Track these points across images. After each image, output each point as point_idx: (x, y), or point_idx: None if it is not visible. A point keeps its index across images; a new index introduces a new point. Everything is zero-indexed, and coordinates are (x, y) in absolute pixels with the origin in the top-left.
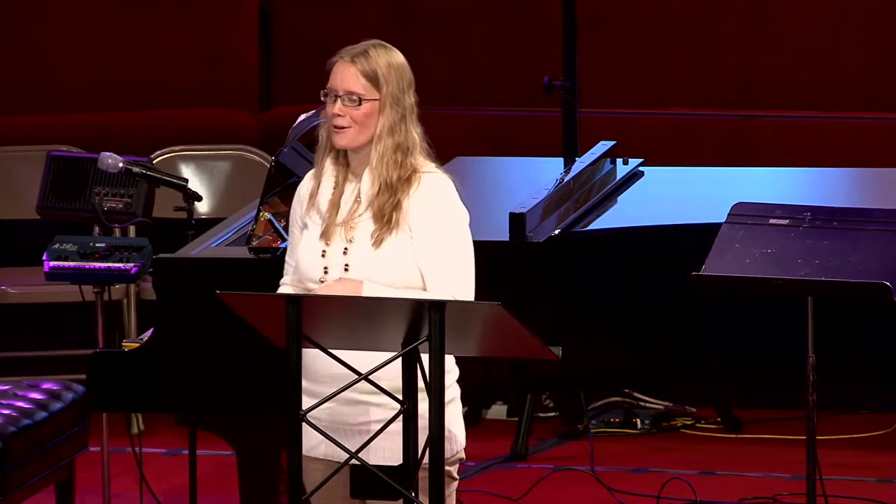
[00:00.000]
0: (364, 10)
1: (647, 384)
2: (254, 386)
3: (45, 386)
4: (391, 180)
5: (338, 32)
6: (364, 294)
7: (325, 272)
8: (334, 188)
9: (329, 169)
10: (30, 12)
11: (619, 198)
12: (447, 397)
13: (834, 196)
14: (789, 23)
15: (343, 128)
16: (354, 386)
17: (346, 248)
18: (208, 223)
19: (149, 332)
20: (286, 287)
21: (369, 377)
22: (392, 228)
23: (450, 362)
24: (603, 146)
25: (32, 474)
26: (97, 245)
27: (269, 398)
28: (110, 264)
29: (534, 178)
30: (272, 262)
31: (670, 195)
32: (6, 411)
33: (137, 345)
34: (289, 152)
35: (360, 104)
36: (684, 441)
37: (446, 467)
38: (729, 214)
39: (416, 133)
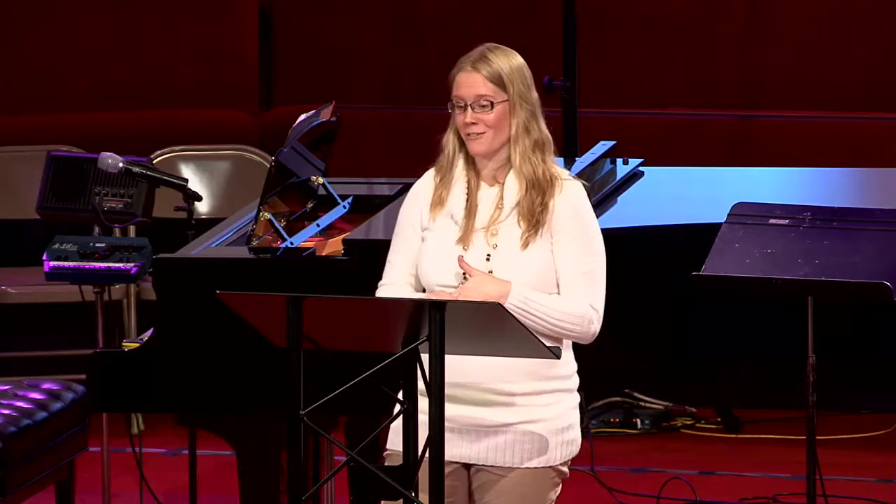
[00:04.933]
0: (364, 11)
1: (647, 384)
2: (254, 386)
3: (45, 386)
4: (538, 178)
5: (338, 32)
6: (511, 297)
7: (465, 278)
8: (467, 194)
9: (460, 175)
10: (30, 12)
11: (619, 198)
12: (574, 401)
13: (834, 196)
14: (789, 23)
15: (479, 134)
16: (489, 388)
17: (489, 255)
18: (208, 223)
19: (149, 332)
20: (391, 288)
21: (371, 377)
22: (538, 231)
23: (572, 366)
24: (603, 146)
25: (32, 474)
26: (97, 245)
27: (269, 398)
28: (110, 264)
29: None
30: (272, 262)
31: (670, 195)
32: (6, 411)
33: (137, 345)
34: (289, 152)
35: (491, 108)
36: (684, 441)
37: (564, 467)
38: (729, 214)
39: (546, 130)
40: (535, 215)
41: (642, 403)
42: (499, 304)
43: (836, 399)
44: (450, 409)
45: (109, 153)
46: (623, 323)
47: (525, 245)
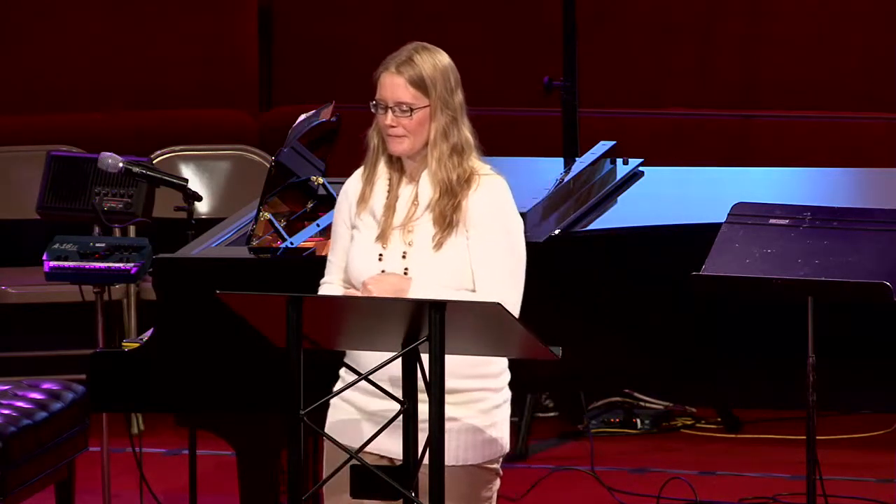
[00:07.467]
0: (364, 11)
1: (647, 384)
2: (254, 386)
3: (45, 386)
4: (451, 183)
5: (338, 32)
6: (411, 293)
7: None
8: (388, 191)
9: (382, 172)
10: (30, 12)
11: (619, 198)
12: (500, 399)
13: (834, 196)
14: (789, 23)
15: (399, 136)
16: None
17: (405, 252)
18: (208, 223)
19: (149, 332)
20: (329, 286)
21: (369, 377)
22: (451, 230)
23: (501, 364)
24: (603, 146)
25: (32, 474)
26: (97, 245)
27: (269, 398)
28: (110, 264)
29: (533, 178)
30: (272, 262)
31: (670, 195)
32: (6, 411)
33: (137, 345)
34: (289, 152)
35: (411, 114)
36: (684, 441)
37: (493, 465)
38: (729, 214)
39: (468, 133)
40: (446, 218)
41: (642, 403)
42: (499, 304)
43: (836, 399)
44: (375, 404)
45: (109, 153)
46: (623, 323)
47: (438, 246)
